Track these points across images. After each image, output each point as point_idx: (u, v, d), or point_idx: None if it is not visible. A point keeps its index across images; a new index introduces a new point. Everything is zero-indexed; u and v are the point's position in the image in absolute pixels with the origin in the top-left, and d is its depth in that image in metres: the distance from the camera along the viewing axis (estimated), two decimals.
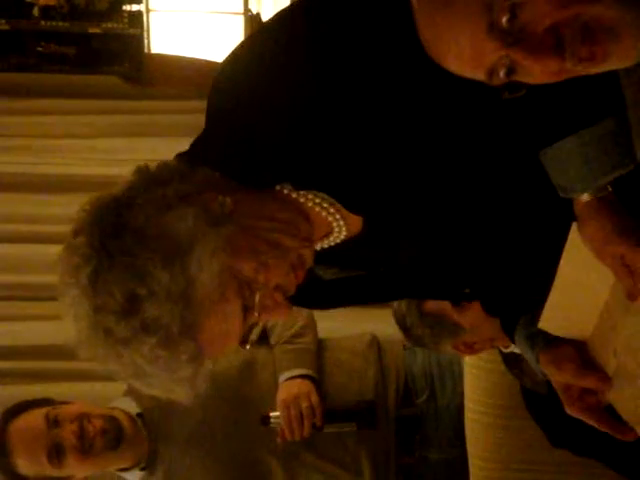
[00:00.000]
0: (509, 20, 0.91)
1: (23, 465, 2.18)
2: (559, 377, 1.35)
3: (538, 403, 1.99)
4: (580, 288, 1.29)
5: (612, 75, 1.06)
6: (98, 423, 2.23)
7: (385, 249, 1.33)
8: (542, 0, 0.91)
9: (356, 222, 1.27)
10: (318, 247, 1.28)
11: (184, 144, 1.27)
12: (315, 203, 1.23)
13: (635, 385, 1.27)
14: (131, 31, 3.46)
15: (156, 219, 1.10)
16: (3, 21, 3.46)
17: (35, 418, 2.21)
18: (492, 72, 0.96)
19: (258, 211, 1.17)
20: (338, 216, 1.25)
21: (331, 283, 1.36)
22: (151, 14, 3.26)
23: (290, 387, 2.35)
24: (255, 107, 1.15)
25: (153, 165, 1.18)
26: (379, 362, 2.51)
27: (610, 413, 1.32)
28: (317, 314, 2.51)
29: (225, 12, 3.25)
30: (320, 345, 2.51)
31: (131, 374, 1.13)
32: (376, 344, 2.55)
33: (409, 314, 1.97)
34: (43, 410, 2.23)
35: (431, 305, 1.95)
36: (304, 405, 2.31)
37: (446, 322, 1.94)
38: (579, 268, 1.26)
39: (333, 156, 1.16)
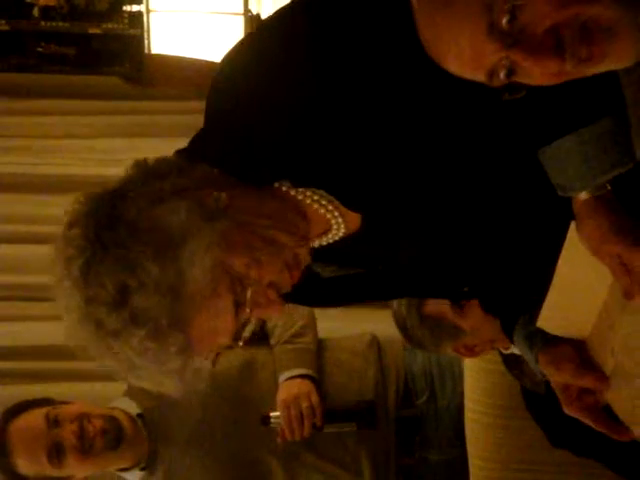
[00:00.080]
0: (509, 21, 0.92)
1: (23, 465, 2.18)
2: (558, 377, 1.35)
3: (538, 403, 1.99)
4: (579, 287, 1.29)
5: (611, 74, 1.06)
6: (98, 423, 2.23)
7: (384, 247, 1.34)
8: (542, 1, 0.91)
9: (355, 220, 1.27)
10: (316, 244, 1.29)
11: (184, 145, 1.27)
12: (313, 200, 1.23)
13: (632, 385, 1.27)
14: (131, 31, 3.46)
15: (148, 212, 1.11)
16: (3, 21, 3.46)
17: (35, 418, 2.22)
18: (492, 73, 0.97)
19: (255, 207, 1.17)
20: (336, 213, 1.25)
21: (329, 281, 1.36)
22: (151, 14, 3.26)
23: (290, 387, 2.35)
24: (255, 105, 1.15)
25: (152, 159, 1.18)
26: (379, 362, 2.51)
27: (608, 413, 1.32)
28: (317, 314, 2.51)
29: (225, 12, 3.25)
30: (320, 345, 2.51)
31: (121, 366, 1.13)
32: (376, 344, 2.55)
33: (409, 317, 1.97)
34: (43, 410, 2.23)
35: (431, 308, 1.95)
36: (304, 405, 2.31)
37: (446, 325, 1.94)
38: (577, 267, 1.26)
39: (333, 153, 1.16)
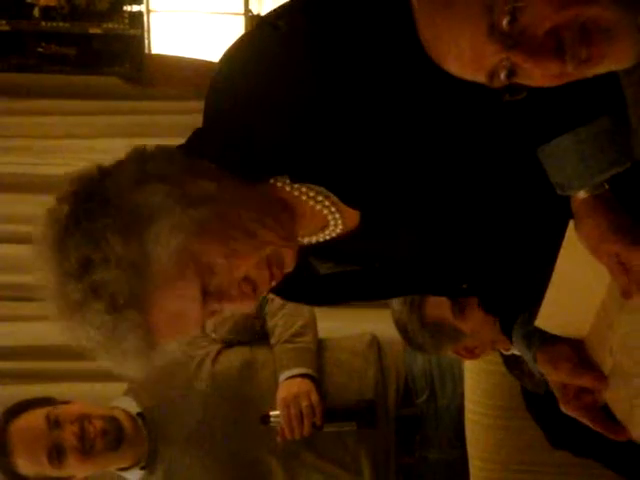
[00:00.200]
0: (509, 23, 0.92)
1: (23, 465, 2.18)
2: (555, 376, 1.34)
3: (538, 404, 1.99)
4: (577, 286, 1.29)
5: (610, 73, 1.06)
6: (99, 424, 2.23)
7: (381, 244, 1.34)
8: (542, 3, 0.92)
9: (353, 216, 1.27)
10: (314, 240, 1.29)
11: None
12: (309, 197, 1.23)
13: (630, 384, 1.26)
14: (132, 32, 3.47)
15: (128, 192, 1.12)
16: (3, 22, 3.46)
17: (36, 418, 2.21)
18: (493, 74, 0.97)
19: (242, 201, 1.17)
20: (334, 209, 1.25)
21: (326, 278, 1.36)
22: (152, 15, 3.26)
23: (290, 386, 2.35)
24: (254, 103, 1.15)
25: (151, 146, 1.20)
26: (379, 362, 2.51)
27: (605, 413, 1.32)
28: (317, 314, 2.51)
29: (225, 13, 3.25)
30: (320, 345, 2.51)
31: (89, 343, 1.13)
32: (376, 344, 2.55)
33: (410, 322, 1.97)
34: (44, 410, 2.23)
35: (431, 312, 1.95)
36: (304, 404, 2.31)
37: (447, 328, 1.94)
38: (576, 266, 1.26)
39: (333, 150, 1.17)
